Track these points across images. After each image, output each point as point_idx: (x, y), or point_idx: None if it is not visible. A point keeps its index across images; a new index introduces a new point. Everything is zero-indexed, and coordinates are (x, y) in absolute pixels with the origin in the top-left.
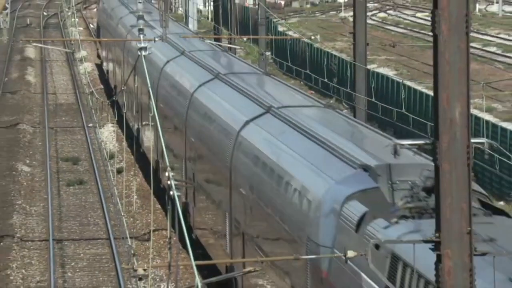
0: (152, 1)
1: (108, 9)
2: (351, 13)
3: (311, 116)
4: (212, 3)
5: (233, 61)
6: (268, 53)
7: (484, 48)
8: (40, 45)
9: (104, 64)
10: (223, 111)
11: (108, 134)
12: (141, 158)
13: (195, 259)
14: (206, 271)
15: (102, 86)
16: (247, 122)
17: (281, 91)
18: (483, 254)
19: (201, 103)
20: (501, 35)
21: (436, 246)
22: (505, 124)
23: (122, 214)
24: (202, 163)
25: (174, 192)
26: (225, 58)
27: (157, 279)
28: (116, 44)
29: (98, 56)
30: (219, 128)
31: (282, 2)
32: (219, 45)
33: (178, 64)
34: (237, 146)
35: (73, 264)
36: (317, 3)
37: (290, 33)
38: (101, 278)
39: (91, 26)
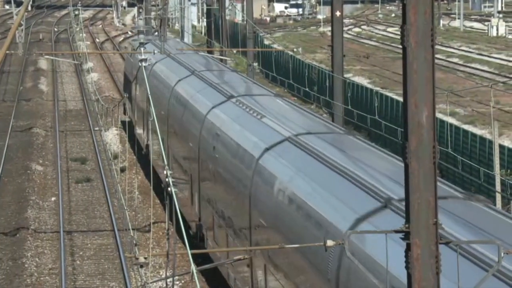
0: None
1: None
2: (329, 28)
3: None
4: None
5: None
6: (255, 64)
7: (448, 59)
8: (51, 57)
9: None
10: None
11: (112, 137)
12: (142, 158)
13: (190, 249)
14: (201, 259)
15: (107, 94)
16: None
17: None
18: (448, 242)
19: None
20: (463, 48)
21: (406, 235)
22: (466, 127)
23: (125, 208)
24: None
25: (171, 189)
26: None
27: (157, 266)
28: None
29: (124, 112)
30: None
31: (268, 18)
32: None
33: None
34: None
35: (81, 253)
36: (299, 19)
37: (275, 46)
38: (106, 266)
39: (97, 40)
